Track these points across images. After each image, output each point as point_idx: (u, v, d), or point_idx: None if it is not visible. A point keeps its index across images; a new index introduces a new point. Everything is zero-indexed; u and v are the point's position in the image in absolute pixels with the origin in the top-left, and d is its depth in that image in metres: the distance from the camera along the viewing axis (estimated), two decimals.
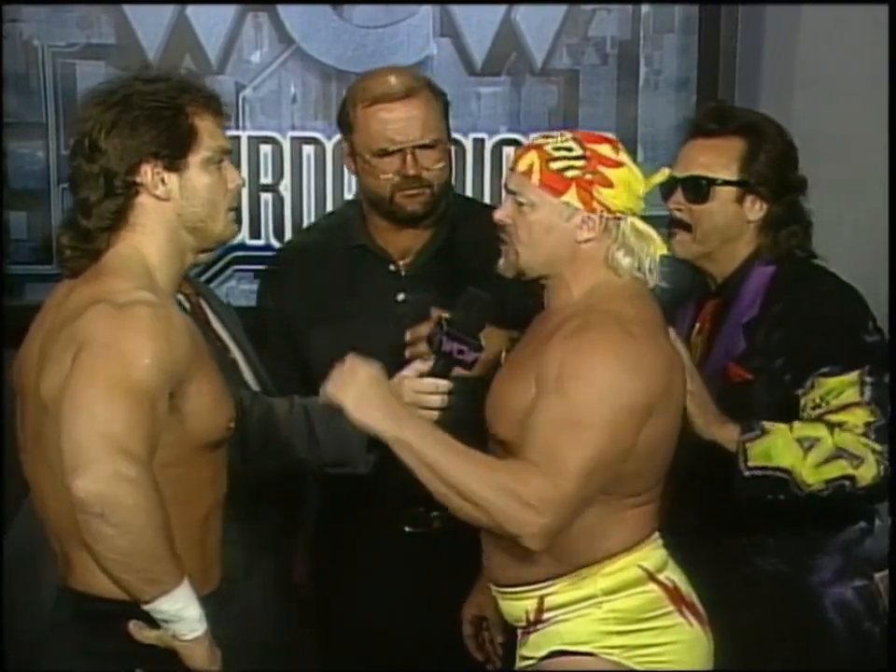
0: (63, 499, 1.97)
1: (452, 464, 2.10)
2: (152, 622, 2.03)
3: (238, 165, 2.22)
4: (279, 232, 3.45)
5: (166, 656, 2.04)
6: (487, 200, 3.39)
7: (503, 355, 2.44)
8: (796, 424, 2.46)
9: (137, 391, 1.95)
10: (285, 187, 3.46)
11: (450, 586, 2.69)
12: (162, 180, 2.11)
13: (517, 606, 2.30)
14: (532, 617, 2.27)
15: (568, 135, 2.24)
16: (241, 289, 3.43)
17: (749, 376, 2.53)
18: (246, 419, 2.39)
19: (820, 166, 2.71)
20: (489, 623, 2.64)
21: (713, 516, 2.55)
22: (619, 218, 2.21)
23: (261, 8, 3.42)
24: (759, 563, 2.57)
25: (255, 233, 3.45)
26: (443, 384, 2.32)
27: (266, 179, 3.45)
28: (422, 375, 2.34)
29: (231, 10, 3.41)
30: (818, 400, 2.47)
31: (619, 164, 2.21)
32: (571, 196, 2.20)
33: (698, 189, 2.59)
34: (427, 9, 3.43)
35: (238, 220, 2.23)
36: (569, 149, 2.21)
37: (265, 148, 3.44)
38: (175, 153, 2.10)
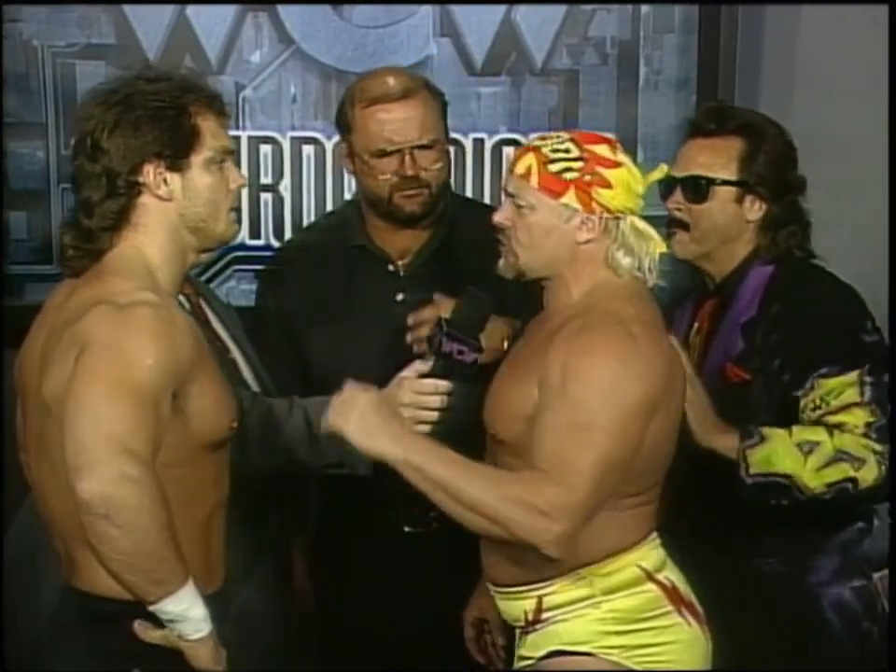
0: (67, 500, 1.97)
1: (462, 481, 2.11)
2: (157, 621, 2.03)
3: (238, 165, 2.22)
4: (279, 232, 3.45)
5: (171, 656, 2.04)
6: (487, 200, 3.38)
7: (505, 343, 2.44)
8: (795, 428, 2.46)
9: (140, 392, 1.96)
10: (285, 187, 3.46)
11: (450, 586, 2.70)
12: (165, 180, 2.10)
13: (516, 606, 2.30)
14: (531, 617, 2.27)
15: (566, 136, 2.23)
16: (241, 289, 3.43)
17: (746, 376, 2.53)
18: (246, 420, 2.39)
19: (820, 166, 2.71)
20: (491, 626, 2.64)
21: (711, 516, 2.55)
22: (618, 218, 2.21)
23: (261, 8, 3.42)
24: (757, 563, 2.57)
25: (255, 233, 3.45)
26: (443, 384, 2.32)
27: (266, 179, 3.45)
28: (422, 376, 2.34)
29: (231, 10, 3.41)
30: (817, 402, 2.47)
31: (617, 165, 2.21)
32: (570, 198, 2.20)
33: (697, 188, 2.59)
34: (427, 9, 3.43)
35: (238, 220, 2.23)
36: (567, 151, 2.21)
37: (265, 148, 3.45)
38: (177, 153, 2.10)
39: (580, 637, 2.22)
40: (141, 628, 2.04)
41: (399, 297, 2.81)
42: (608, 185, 2.19)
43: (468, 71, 3.45)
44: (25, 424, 2.16)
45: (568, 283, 2.24)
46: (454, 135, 2.97)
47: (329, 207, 3.42)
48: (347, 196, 3.34)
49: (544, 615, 2.25)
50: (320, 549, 2.95)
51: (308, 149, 3.45)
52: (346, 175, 3.32)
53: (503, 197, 2.29)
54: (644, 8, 3.45)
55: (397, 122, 2.71)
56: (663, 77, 3.48)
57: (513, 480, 2.13)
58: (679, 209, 2.60)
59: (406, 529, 2.82)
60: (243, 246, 3.41)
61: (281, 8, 3.42)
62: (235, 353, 2.61)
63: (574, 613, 2.23)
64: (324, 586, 2.95)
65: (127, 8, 3.38)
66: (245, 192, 3.22)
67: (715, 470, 2.46)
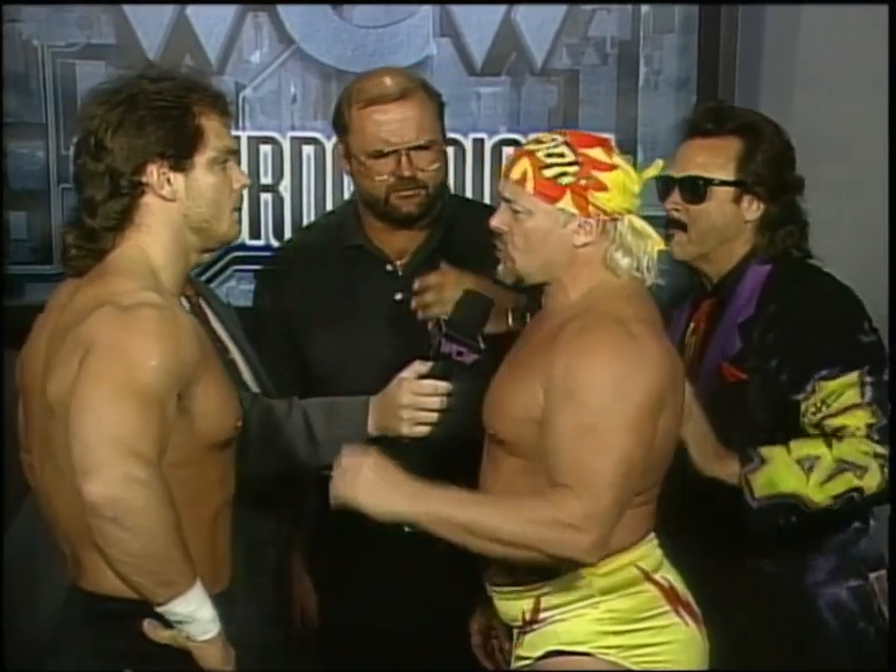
0: (73, 501, 1.96)
1: (486, 518, 2.10)
2: (165, 621, 2.02)
3: (238, 165, 2.23)
4: (279, 232, 3.46)
5: (179, 656, 2.03)
6: (487, 200, 3.38)
7: (510, 316, 2.46)
8: (793, 443, 2.46)
9: (145, 393, 1.95)
10: (284, 187, 3.47)
11: (450, 586, 2.70)
12: (168, 180, 2.10)
13: (513, 606, 2.30)
14: (528, 617, 2.27)
15: (560, 139, 2.23)
16: (241, 289, 3.43)
17: (743, 376, 2.53)
18: (245, 421, 2.39)
19: (820, 166, 2.72)
20: (497, 632, 2.63)
21: (708, 517, 2.54)
22: (615, 220, 2.21)
23: (261, 8, 3.42)
24: (753, 563, 2.57)
25: (255, 233, 3.45)
26: (442, 385, 2.33)
27: (266, 179, 3.45)
28: (421, 377, 2.35)
29: (231, 10, 3.41)
30: (818, 405, 2.47)
31: (612, 167, 2.20)
32: (566, 202, 2.19)
33: (695, 189, 2.58)
34: (426, 9, 3.43)
35: (238, 220, 2.23)
36: (562, 155, 2.20)
37: (265, 148, 3.45)
38: (181, 153, 2.09)
39: (577, 637, 2.22)
40: (150, 628, 2.03)
41: (398, 297, 2.80)
42: (603, 188, 2.18)
43: (468, 71, 3.45)
44: (28, 425, 2.15)
45: (567, 285, 2.24)
46: (454, 135, 2.97)
47: (329, 207, 3.42)
48: (347, 196, 3.34)
49: (542, 615, 2.25)
50: (320, 549, 2.95)
51: (308, 149, 3.45)
52: (346, 176, 3.33)
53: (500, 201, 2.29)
54: (644, 8, 3.45)
55: (393, 123, 2.70)
56: (663, 77, 3.48)
57: (536, 501, 2.12)
58: (676, 210, 2.60)
59: (406, 529, 2.82)
60: (243, 246, 3.40)
61: (281, 8, 3.42)
62: (235, 353, 2.60)
63: (572, 613, 2.23)
64: (324, 586, 2.95)
65: (127, 8, 3.38)
66: (245, 192, 3.21)
67: (712, 482, 2.47)
